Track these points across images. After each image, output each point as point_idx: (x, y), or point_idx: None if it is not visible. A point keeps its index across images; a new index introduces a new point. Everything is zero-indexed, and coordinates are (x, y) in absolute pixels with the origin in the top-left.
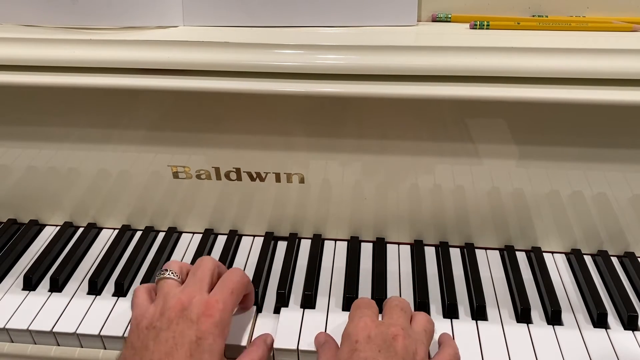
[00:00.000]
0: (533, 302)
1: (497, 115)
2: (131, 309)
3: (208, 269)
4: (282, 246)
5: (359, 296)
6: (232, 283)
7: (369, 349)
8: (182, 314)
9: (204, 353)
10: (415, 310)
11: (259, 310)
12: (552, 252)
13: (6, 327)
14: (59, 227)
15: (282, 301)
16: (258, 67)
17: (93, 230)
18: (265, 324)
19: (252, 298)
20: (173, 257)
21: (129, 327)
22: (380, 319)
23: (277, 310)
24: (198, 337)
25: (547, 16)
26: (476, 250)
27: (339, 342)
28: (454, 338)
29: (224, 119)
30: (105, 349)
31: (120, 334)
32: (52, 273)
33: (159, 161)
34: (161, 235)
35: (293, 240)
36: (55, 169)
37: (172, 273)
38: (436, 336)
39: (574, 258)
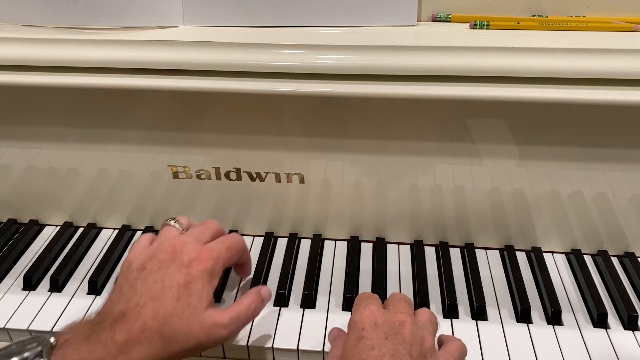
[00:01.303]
0: (533, 302)
1: (497, 115)
2: (128, 251)
3: (211, 228)
4: (282, 246)
5: None
6: (229, 241)
7: (376, 336)
8: (173, 257)
9: (192, 297)
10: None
11: None
12: (552, 252)
13: (6, 327)
14: (59, 227)
15: (282, 301)
16: (258, 67)
17: (93, 230)
18: (264, 323)
19: (249, 266)
20: None
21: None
22: None
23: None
24: (187, 280)
25: (547, 16)
26: (476, 250)
27: None
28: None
29: (224, 119)
30: None
31: None
32: (52, 273)
33: (159, 161)
34: None
35: (293, 240)
36: (55, 169)
37: (177, 222)
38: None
39: (574, 258)
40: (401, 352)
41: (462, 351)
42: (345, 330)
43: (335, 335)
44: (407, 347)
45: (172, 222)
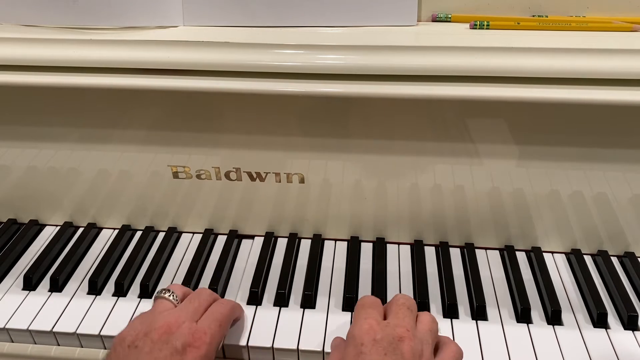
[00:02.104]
0: (533, 302)
1: (497, 115)
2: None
3: (205, 301)
4: (282, 246)
5: (359, 296)
6: (221, 315)
7: (375, 352)
8: (167, 339)
9: None
10: None
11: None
12: (552, 252)
13: (6, 327)
14: (59, 227)
15: (282, 301)
16: (258, 67)
17: (93, 230)
18: (264, 323)
19: (241, 319)
20: (173, 257)
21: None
22: (385, 316)
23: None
24: None
25: (547, 16)
26: (476, 250)
27: None
28: (454, 338)
29: (224, 119)
30: (105, 348)
31: None
32: (52, 273)
33: (159, 161)
34: (161, 235)
35: (293, 240)
36: (55, 169)
37: (172, 295)
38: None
39: (574, 258)
40: None
41: (458, 356)
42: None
43: (336, 343)
44: None
45: (166, 295)
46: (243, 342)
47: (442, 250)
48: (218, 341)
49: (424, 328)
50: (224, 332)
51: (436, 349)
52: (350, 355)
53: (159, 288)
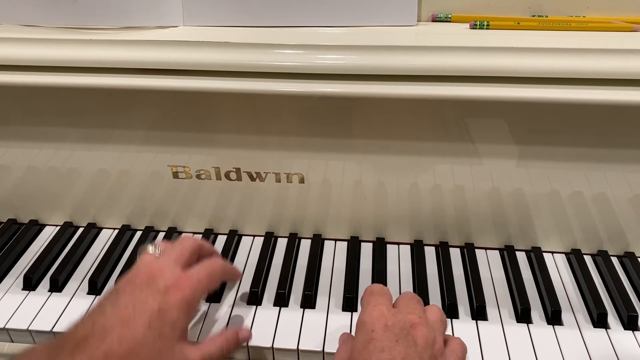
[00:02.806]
0: (533, 302)
1: (497, 115)
2: None
3: (188, 246)
4: (282, 246)
5: (359, 296)
6: (211, 267)
7: (386, 338)
8: (148, 282)
9: (165, 326)
10: None
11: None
12: (552, 252)
13: (6, 327)
14: (59, 227)
15: (282, 301)
16: (258, 67)
17: (93, 230)
18: (264, 323)
19: (238, 276)
20: None
21: None
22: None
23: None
24: (161, 308)
25: (547, 16)
26: (476, 250)
27: None
28: None
29: (224, 119)
30: None
31: None
32: (52, 273)
33: (159, 161)
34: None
35: (293, 240)
36: (55, 169)
37: (156, 247)
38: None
39: (574, 258)
40: (412, 356)
41: (464, 349)
42: (349, 332)
43: (344, 338)
44: (419, 351)
45: (149, 249)
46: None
47: (442, 250)
48: (204, 288)
49: (434, 318)
50: (212, 284)
51: None
52: (360, 341)
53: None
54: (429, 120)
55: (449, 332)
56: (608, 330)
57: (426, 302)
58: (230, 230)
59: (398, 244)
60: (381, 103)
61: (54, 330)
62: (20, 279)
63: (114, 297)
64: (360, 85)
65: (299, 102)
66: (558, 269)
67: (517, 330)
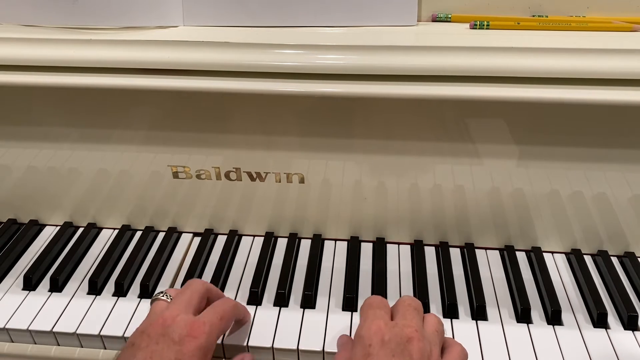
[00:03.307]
0: (533, 302)
1: (497, 115)
2: None
3: (197, 291)
4: (282, 246)
5: (359, 296)
6: (222, 310)
7: (383, 354)
8: (163, 332)
9: None
10: None
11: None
12: (552, 252)
13: (6, 327)
14: (59, 227)
15: (282, 301)
16: (258, 67)
17: (93, 230)
18: (264, 323)
19: (248, 318)
20: (173, 257)
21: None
22: (392, 317)
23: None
24: (178, 358)
25: (547, 16)
26: (476, 250)
27: None
28: (453, 338)
29: (224, 119)
30: (105, 349)
31: (120, 334)
32: (52, 273)
33: (159, 161)
34: (161, 235)
35: (293, 240)
36: (55, 169)
37: (166, 295)
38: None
39: (574, 258)
40: None
41: (464, 357)
42: (348, 332)
43: (344, 341)
44: None
45: (161, 296)
46: (243, 342)
47: (442, 250)
48: (218, 333)
49: (431, 329)
50: (225, 326)
51: (442, 351)
52: (357, 356)
53: (157, 289)
54: (429, 120)
55: (449, 333)
56: (608, 330)
57: (426, 302)
58: (230, 230)
59: (398, 244)
60: (381, 103)
61: (54, 330)
62: (20, 279)
63: (131, 351)
64: (360, 85)
65: (299, 102)
66: (558, 269)
67: (517, 330)
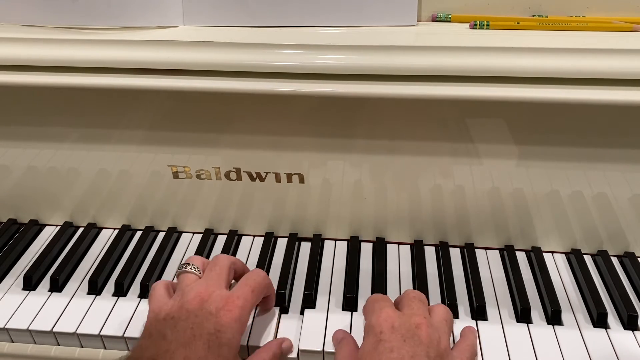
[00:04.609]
0: (533, 302)
1: (497, 115)
2: (148, 303)
3: (225, 266)
4: (282, 246)
5: (359, 296)
6: (254, 282)
7: (394, 339)
8: (201, 306)
9: (223, 346)
10: None
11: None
12: (552, 252)
13: (6, 327)
14: (59, 227)
15: (282, 301)
16: (258, 67)
17: (93, 230)
18: (265, 323)
19: (272, 299)
20: (173, 257)
21: (144, 320)
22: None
23: (284, 311)
24: (217, 329)
25: (547, 16)
26: (476, 250)
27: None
28: (453, 338)
29: (224, 119)
30: (105, 348)
31: (120, 334)
32: (52, 273)
33: (159, 161)
34: (161, 235)
35: (293, 240)
36: (55, 169)
37: (194, 267)
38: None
39: (574, 258)
40: (419, 354)
41: (474, 350)
42: (348, 331)
43: (340, 337)
44: (425, 349)
45: (189, 268)
46: (243, 342)
47: (442, 250)
48: (251, 305)
49: (439, 317)
50: (257, 298)
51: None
52: (369, 343)
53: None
54: (429, 120)
55: None
56: (608, 330)
57: None
58: (230, 230)
59: (398, 244)
60: (381, 103)
61: (54, 330)
62: (21, 279)
63: (171, 322)
64: (360, 85)
65: (299, 102)
66: (558, 269)
67: (517, 330)
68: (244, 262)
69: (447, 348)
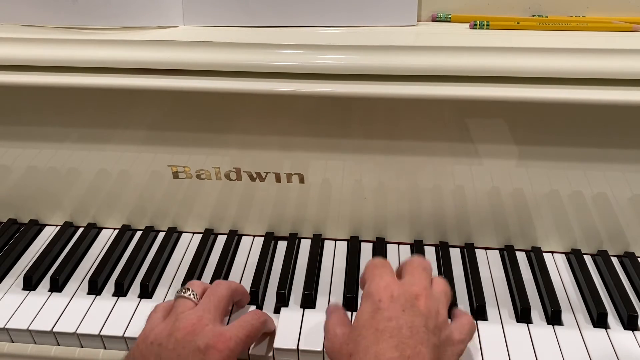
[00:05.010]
0: (533, 302)
1: (497, 115)
2: (145, 322)
3: (224, 297)
4: (282, 246)
5: (359, 296)
6: (251, 326)
7: (393, 308)
8: (191, 339)
9: None
10: None
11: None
12: (552, 252)
13: (6, 327)
14: (59, 227)
15: (282, 301)
16: (258, 67)
17: (93, 230)
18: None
19: (272, 329)
20: (173, 257)
21: (144, 320)
22: (400, 276)
23: (277, 310)
24: None
25: (547, 16)
26: (476, 250)
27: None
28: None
29: (224, 119)
30: (105, 348)
31: (120, 334)
32: (52, 273)
33: (159, 161)
34: (161, 235)
35: (293, 240)
36: (55, 169)
37: (192, 294)
38: None
39: (574, 258)
40: (418, 324)
41: (472, 327)
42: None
43: (333, 307)
44: (423, 320)
45: (187, 294)
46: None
47: (442, 250)
48: (242, 349)
49: (438, 289)
50: (250, 342)
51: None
52: (367, 311)
53: (157, 289)
54: (429, 120)
55: None
56: (608, 330)
57: None
58: (230, 230)
59: (398, 244)
60: (381, 103)
61: (54, 330)
62: (21, 279)
63: (157, 349)
64: (360, 85)
65: (299, 102)
66: (558, 269)
67: (517, 330)
68: (244, 262)
69: (445, 320)
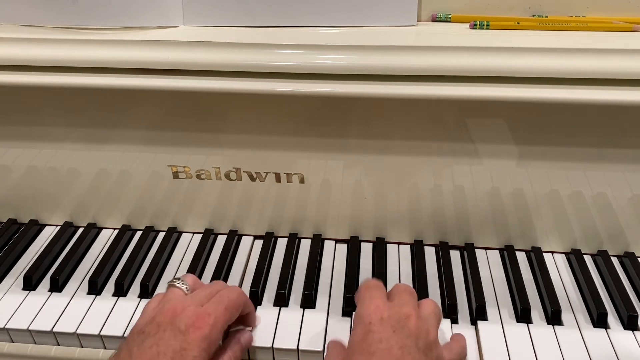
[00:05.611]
0: (533, 302)
1: (497, 115)
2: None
3: (217, 290)
4: (282, 246)
5: None
6: (228, 299)
7: (384, 330)
8: (171, 321)
9: None
10: None
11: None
12: (552, 252)
13: (6, 327)
14: (59, 227)
15: (282, 301)
16: (258, 67)
17: (93, 230)
18: (264, 323)
19: (253, 317)
20: (173, 257)
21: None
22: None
23: (277, 309)
24: (183, 347)
25: (547, 16)
26: (476, 250)
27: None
28: None
29: (224, 119)
30: (105, 348)
31: (120, 334)
32: (52, 273)
33: (159, 161)
34: (161, 235)
35: (293, 240)
36: (55, 169)
37: (182, 283)
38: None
39: (574, 258)
40: (409, 345)
41: (463, 349)
42: (349, 330)
43: (334, 344)
44: (414, 340)
45: (178, 283)
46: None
47: (442, 250)
48: (222, 324)
49: (427, 310)
50: (231, 317)
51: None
52: (359, 334)
53: (157, 289)
54: (429, 120)
55: (449, 331)
56: (608, 330)
57: None
58: (230, 230)
59: (398, 244)
60: (381, 103)
61: (54, 330)
62: (20, 279)
63: (140, 338)
64: (360, 85)
65: (299, 102)
66: (558, 269)
67: (517, 330)
68: (244, 262)
69: (436, 340)
